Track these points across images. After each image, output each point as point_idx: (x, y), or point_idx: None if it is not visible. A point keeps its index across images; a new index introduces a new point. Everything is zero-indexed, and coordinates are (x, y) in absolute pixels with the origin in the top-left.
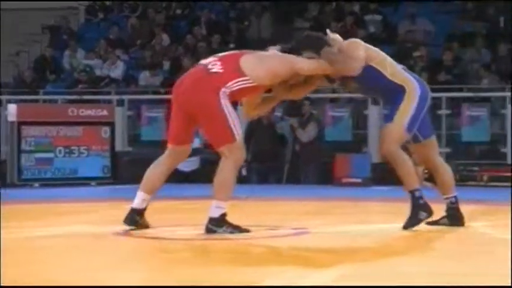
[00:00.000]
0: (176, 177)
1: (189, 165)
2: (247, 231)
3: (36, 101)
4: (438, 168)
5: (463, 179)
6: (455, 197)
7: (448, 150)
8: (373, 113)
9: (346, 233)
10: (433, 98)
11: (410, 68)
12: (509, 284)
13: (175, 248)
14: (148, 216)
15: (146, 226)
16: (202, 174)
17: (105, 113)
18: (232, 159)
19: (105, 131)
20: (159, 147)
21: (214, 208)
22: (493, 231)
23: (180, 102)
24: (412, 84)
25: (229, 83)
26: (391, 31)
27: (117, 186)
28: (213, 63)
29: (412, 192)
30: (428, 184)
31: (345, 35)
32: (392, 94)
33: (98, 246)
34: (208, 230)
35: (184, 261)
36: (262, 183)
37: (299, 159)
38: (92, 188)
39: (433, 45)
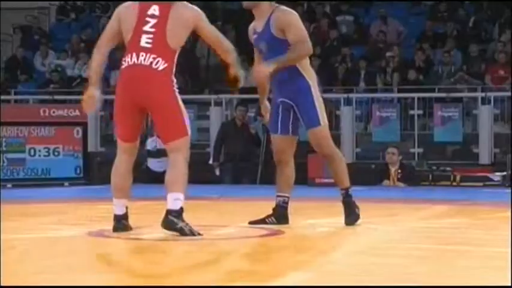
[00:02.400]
0: (149, 178)
1: (162, 165)
2: (200, 234)
3: (8, 101)
4: (291, 165)
5: (435, 179)
6: (289, 197)
7: (420, 150)
8: (346, 113)
9: (320, 233)
10: (405, 98)
11: (382, 69)
12: (509, 284)
13: (148, 248)
14: None
15: (131, 228)
16: None
17: (77, 113)
18: (183, 154)
19: (77, 131)
20: None
21: (173, 200)
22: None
23: (135, 101)
24: (315, 82)
25: (173, 69)
26: (363, 32)
27: (90, 187)
28: (153, 61)
29: (347, 189)
30: (402, 184)
31: (318, 36)
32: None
33: (71, 247)
34: (169, 222)
35: (157, 261)
36: (235, 184)
37: (272, 160)
38: (65, 188)
39: (405, 46)
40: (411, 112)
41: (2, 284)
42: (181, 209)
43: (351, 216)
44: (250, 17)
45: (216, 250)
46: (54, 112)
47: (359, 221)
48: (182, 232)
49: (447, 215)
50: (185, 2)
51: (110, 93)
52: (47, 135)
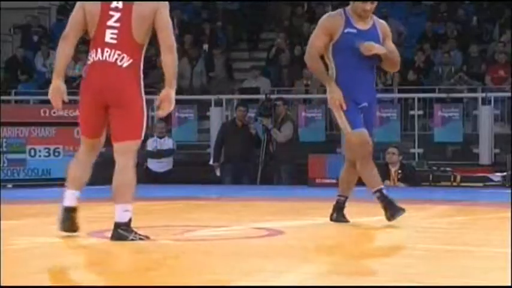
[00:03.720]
0: (149, 178)
1: (162, 166)
2: (148, 238)
3: (8, 101)
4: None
5: (435, 180)
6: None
7: (420, 150)
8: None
9: (320, 233)
10: (406, 99)
11: (383, 69)
12: (509, 284)
13: (147, 249)
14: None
15: (77, 226)
16: (175, 175)
17: (77, 113)
18: (132, 158)
19: (77, 132)
20: None
21: (122, 212)
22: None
23: (99, 98)
24: None
25: (141, 65)
26: None
27: (90, 187)
28: (118, 58)
29: (381, 190)
30: (402, 184)
31: None
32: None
33: (71, 247)
34: (119, 236)
35: (156, 262)
36: (235, 184)
37: (272, 160)
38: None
39: (405, 46)
40: (411, 112)
41: (2, 284)
42: (130, 220)
43: (394, 210)
44: (250, 17)
45: (216, 250)
46: (54, 112)
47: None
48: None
49: (447, 215)
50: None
51: None
52: (48, 135)
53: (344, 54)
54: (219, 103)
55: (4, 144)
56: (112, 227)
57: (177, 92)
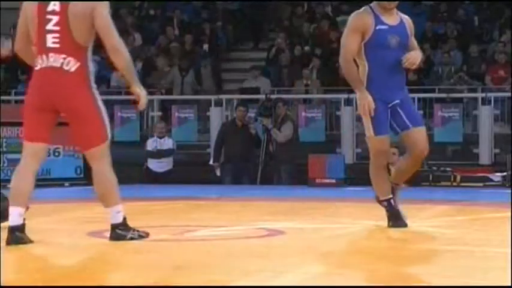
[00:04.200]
0: (149, 178)
1: (162, 166)
2: (148, 235)
3: (8, 101)
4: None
5: (435, 180)
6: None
7: None
8: (346, 114)
9: (320, 234)
10: None
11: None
12: (509, 284)
13: (147, 249)
14: None
15: (30, 241)
16: (175, 175)
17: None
18: (106, 161)
19: None
20: (132, 148)
21: (115, 214)
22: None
23: (47, 104)
24: None
25: (89, 66)
26: None
27: (90, 187)
28: (64, 62)
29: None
30: (402, 184)
31: (319, 37)
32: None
33: (71, 247)
34: (118, 236)
35: (156, 262)
36: (235, 184)
37: (272, 160)
38: (65, 188)
39: None
40: None
41: (2, 284)
42: (125, 219)
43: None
44: (250, 17)
45: (216, 250)
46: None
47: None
48: (133, 240)
49: (447, 215)
50: None
51: (111, 94)
52: None
53: (377, 51)
54: (219, 103)
55: (4, 144)
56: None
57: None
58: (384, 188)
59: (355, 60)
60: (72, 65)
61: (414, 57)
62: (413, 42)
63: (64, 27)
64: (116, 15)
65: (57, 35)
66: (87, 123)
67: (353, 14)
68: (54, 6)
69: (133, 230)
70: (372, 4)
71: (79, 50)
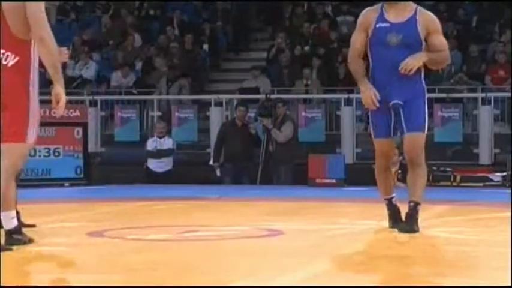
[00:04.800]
0: (149, 178)
1: (162, 165)
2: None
3: None
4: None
5: (435, 180)
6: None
7: None
8: (346, 114)
9: (320, 234)
10: None
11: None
12: (509, 284)
13: (148, 248)
14: (116, 218)
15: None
16: (175, 175)
17: (77, 113)
18: (13, 162)
19: (77, 132)
20: (132, 148)
21: (10, 220)
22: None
23: None
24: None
25: (31, 61)
26: None
27: (90, 187)
28: (3, 57)
29: (416, 204)
30: (402, 185)
31: (319, 37)
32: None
33: (71, 247)
34: (15, 241)
35: (156, 262)
36: (235, 184)
37: (272, 160)
38: (65, 188)
39: None
40: None
41: (2, 284)
42: (18, 224)
43: (409, 225)
44: (250, 17)
45: (216, 250)
46: (54, 112)
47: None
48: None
49: (447, 215)
50: None
51: (111, 94)
52: (47, 135)
53: (377, 49)
54: (219, 103)
55: None
56: (111, 227)
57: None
58: (383, 188)
59: (364, 57)
60: (10, 59)
61: (410, 63)
62: (434, 41)
63: (2, 21)
64: (116, 15)
65: None
66: (12, 119)
67: (363, 10)
68: None
69: (23, 235)
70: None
71: (20, 43)
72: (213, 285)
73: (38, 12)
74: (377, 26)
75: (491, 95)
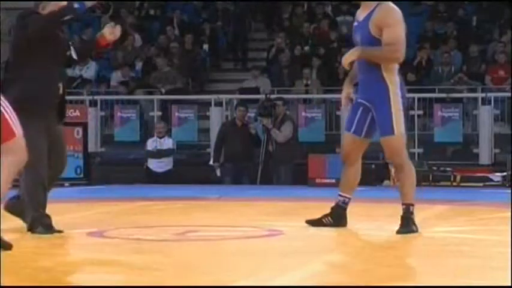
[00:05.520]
0: (150, 178)
1: (162, 165)
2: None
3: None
4: (356, 166)
5: (435, 180)
6: (349, 199)
7: (420, 150)
8: (346, 113)
9: (320, 234)
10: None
11: None
12: (509, 284)
13: (148, 248)
14: (116, 218)
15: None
16: (175, 175)
17: (77, 113)
18: (13, 156)
19: (77, 132)
20: (132, 147)
21: None
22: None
23: None
24: (395, 87)
25: None
26: None
27: (90, 187)
28: None
29: (408, 205)
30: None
31: (319, 37)
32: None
33: (71, 247)
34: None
35: (156, 262)
36: (235, 184)
37: (272, 160)
38: (65, 188)
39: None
40: (411, 112)
41: (2, 284)
42: None
43: (405, 228)
44: (249, 17)
45: (216, 250)
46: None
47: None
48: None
49: (447, 215)
50: None
51: (111, 94)
52: None
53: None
54: (219, 103)
55: None
56: (111, 226)
57: (174, 93)
58: (340, 183)
59: None
60: None
61: (343, 58)
62: (383, 35)
63: None
64: (116, 15)
65: None
66: None
67: None
68: None
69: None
70: None
71: None
72: (213, 285)
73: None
74: (353, 25)
75: (491, 95)
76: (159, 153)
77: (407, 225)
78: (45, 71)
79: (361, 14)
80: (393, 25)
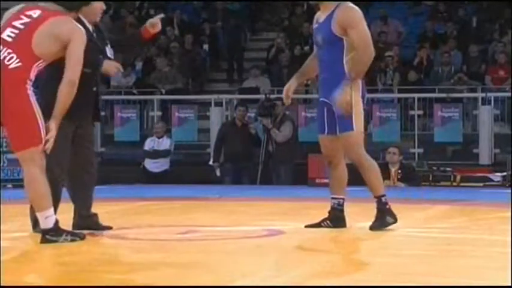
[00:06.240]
0: (147, 178)
1: (158, 166)
2: (84, 237)
3: None
4: (341, 166)
5: (435, 180)
6: (343, 199)
7: (420, 150)
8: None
9: (320, 234)
10: (405, 99)
11: (382, 69)
12: (509, 284)
13: (147, 249)
14: (116, 218)
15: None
16: (175, 175)
17: None
18: (38, 165)
19: None
20: (132, 147)
21: (44, 220)
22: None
23: None
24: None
25: (31, 73)
26: None
27: None
28: (7, 56)
29: (379, 197)
30: (402, 185)
31: None
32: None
33: (71, 247)
34: (47, 241)
35: (156, 262)
36: (235, 184)
37: (272, 160)
38: (65, 189)
39: (405, 46)
40: (411, 112)
41: (2, 284)
42: (56, 223)
43: (377, 221)
44: (249, 18)
45: (216, 250)
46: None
47: (388, 227)
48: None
49: (447, 215)
50: (71, 19)
51: (111, 94)
52: None
53: (315, 49)
54: (219, 103)
55: (4, 144)
56: (111, 227)
57: (174, 93)
58: (330, 185)
59: None
60: (13, 62)
61: (339, 102)
62: (350, 36)
63: (29, 29)
64: (116, 15)
65: (16, 31)
66: (22, 125)
67: None
68: (34, 13)
69: (66, 233)
70: None
71: (30, 55)
72: (213, 285)
73: (80, 56)
74: (314, 27)
75: (491, 95)
76: (155, 154)
77: (382, 218)
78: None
79: (321, 16)
80: (357, 24)
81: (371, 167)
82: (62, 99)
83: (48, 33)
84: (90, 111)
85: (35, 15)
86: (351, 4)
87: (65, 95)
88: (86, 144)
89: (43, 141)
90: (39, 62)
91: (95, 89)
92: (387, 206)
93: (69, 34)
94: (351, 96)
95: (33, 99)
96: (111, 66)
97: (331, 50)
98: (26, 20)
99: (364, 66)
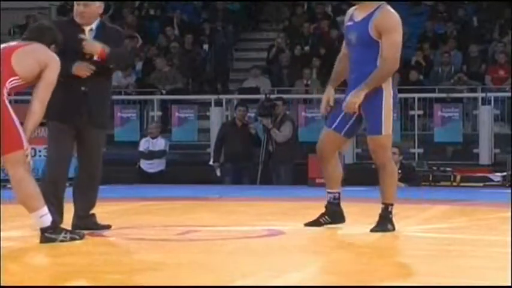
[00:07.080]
0: (142, 178)
1: (153, 166)
2: (84, 236)
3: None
4: (334, 161)
5: (435, 180)
6: (339, 193)
7: (420, 150)
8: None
9: (320, 234)
10: (406, 99)
11: None
12: (509, 284)
13: (147, 249)
14: (116, 218)
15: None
16: (175, 175)
17: None
18: (24, 167)
19: None
20: (132, 148)
21: (39, 219)
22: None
23: None
24: (389, 86)
25: (6, 84)
26: None
27: None
28: None
29: (387, 205)
30: (402, 184)
31: (319, 36)
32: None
33: (71, 247)
34: (47, 240)
35: (156, 262)
36: (235, 184)
37: (272, 160)
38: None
39: (405, 46)
40: (411, 112)
41: (2, 284)
42: (53, 221)
43: (378, 226)
44: (249, 18)
45: (216, 250)
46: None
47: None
48: (64, 242)
49: (447, 215)
50: (45, 48)
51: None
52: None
53: (347, 47)
54: (219, 103)
55: None
56: (111, 227)
57: (174, 93)
58: (325, 180)
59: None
60: None
61: (349, 103)
62: (383, 42)
63: (10, 49)
64: (116, 15)
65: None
66: (3, 131)
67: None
68: (13, 43)
69: (65, 231)
70: None
71: (8, 68)
72: (213, 285)
73: (53, 81)
74: (346, 24)
75: (491, 95)
76: (150, 155)
77: (383, 224)
78: (68, 78)
79: (358, 14)
80: (391, 32)
81: (393, 174)
82: (33, 120)
83: (28, 54)
84: (83, 112)
85: (13, 43)
86: (391, 9)
87: (35, 115)
88: (88, 146)
89: (24, 145)
90: (15, 78)
91: (83, 88)
92: (391, 216)
93: (47, 60)
94: (360, 100)
95: (9, 106)
96: (82, 67)
97: (365, 50)
98: (6, 44)
99: (380, 80)
